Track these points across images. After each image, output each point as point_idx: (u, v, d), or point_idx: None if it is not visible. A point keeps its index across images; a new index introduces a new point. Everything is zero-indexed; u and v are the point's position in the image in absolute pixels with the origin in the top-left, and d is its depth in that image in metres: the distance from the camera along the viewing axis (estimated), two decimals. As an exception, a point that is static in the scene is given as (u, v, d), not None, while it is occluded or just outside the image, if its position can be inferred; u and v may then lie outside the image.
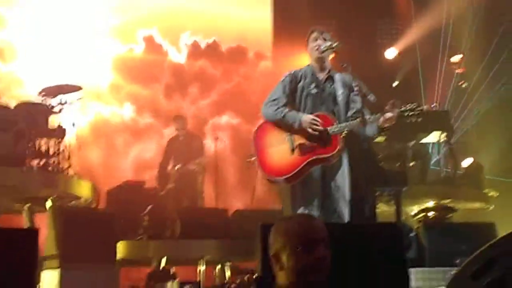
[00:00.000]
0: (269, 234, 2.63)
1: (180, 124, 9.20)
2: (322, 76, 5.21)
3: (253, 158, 5.36)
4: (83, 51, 11.73)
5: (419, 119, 4.91)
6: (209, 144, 9.05)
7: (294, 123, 4.97)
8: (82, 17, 11.94)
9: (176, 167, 8.72)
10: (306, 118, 4.95)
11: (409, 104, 4.96)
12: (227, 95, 13.12)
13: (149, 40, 13.10)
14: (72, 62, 11.15)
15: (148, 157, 11.42)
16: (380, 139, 8.58)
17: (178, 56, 13.36)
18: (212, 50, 13.58)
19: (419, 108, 4.90)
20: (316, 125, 4.92)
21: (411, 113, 4.90)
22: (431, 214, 7.82)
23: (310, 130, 4.93)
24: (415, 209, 8.30)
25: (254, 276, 5.79)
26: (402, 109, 4.93)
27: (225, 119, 12.71)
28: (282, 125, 5.04)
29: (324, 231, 2.57)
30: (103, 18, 12.37)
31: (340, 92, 5.15)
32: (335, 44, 5.08)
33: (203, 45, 13.56)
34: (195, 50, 13.48)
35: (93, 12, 12.21)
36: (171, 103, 12.72)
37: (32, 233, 3.37)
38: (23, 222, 7.22)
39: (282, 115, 5.02)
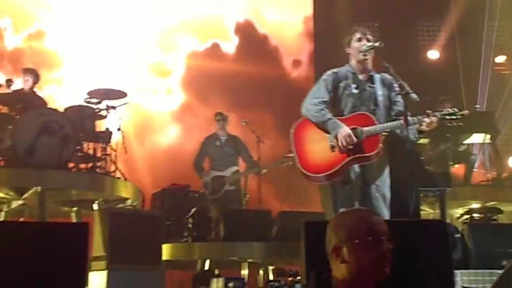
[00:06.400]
0: (328, 229, 2.59)
1: (222, 124, 8.88)
2: (362, 76, 5.20)
3: (291, 154, 5.34)
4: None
5: (460, 123, 4.91)
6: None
7: (332, 132, 4.97)
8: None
9: (232, 172, 8.65)
10: (343, 132, 4.90)
11: (450, 109, 4.95)
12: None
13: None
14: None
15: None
16: (423, 140, 8.53)
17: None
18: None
19: (459, 113, 4.89)
20: (350, 142, 4.89)
21: (451, 117, 4.89)
22: (476, 215, 7.70)
23: (341, 144, 4.92)
24: (459, 211, 8.20)
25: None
26: (443, 112, 4.92)
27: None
28: (322, 127, 5.06)
29: (385, 225, 2.55)
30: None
31: (380, 92, 5.14)
32: (377, 44, 5.07)
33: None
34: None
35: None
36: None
37: (82, 226, 3.45)
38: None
39: (325, 119, 5.00)
